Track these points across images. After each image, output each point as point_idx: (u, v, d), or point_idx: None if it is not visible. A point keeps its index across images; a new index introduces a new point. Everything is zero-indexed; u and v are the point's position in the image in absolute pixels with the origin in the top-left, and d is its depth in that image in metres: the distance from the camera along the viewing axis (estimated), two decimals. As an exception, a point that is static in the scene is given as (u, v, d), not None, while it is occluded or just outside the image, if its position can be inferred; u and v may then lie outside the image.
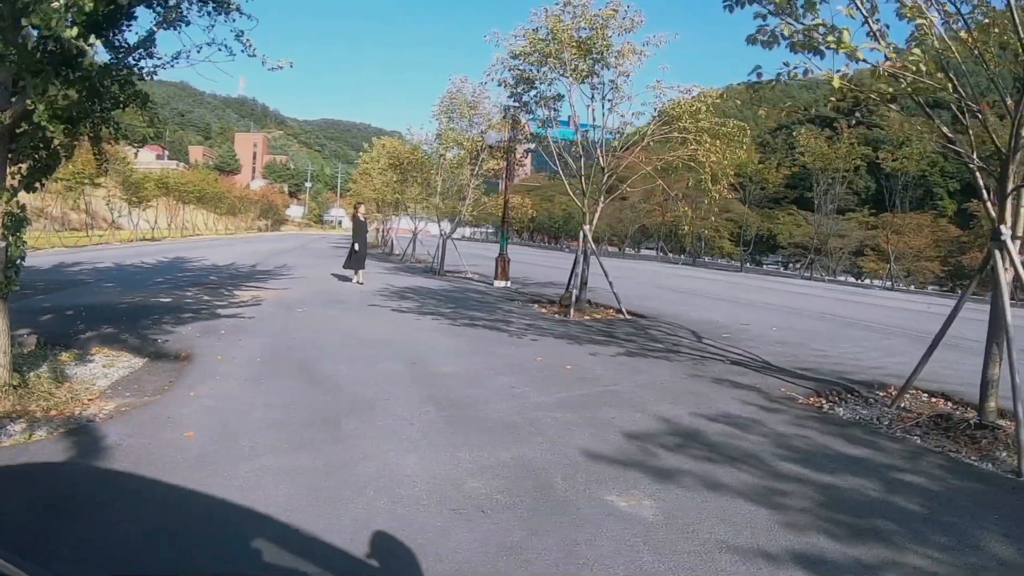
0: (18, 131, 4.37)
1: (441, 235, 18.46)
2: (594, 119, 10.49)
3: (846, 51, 3.70)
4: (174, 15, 5.03)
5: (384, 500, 2.56)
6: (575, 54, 9.67)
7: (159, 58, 5.36)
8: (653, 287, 16.61)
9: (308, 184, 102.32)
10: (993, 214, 4.43)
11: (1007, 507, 3.01)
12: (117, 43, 5.02)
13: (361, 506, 2.50)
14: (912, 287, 25.83)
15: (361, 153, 31.70)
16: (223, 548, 2.19)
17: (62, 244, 18.78)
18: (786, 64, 4.08)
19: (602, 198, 10.43)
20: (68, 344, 5.53)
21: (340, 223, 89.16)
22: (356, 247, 12.11)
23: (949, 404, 5.35)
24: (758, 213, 33.82)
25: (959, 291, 23.99)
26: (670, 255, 38.90)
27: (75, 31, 2.80)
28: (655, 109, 10.02)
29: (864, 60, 3.83)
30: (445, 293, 11.88)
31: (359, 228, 12.34)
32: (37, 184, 4.61)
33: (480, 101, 15.68)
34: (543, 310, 10.14)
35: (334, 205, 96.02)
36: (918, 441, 4.11)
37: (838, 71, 3.81)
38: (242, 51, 5.39)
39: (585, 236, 10.29)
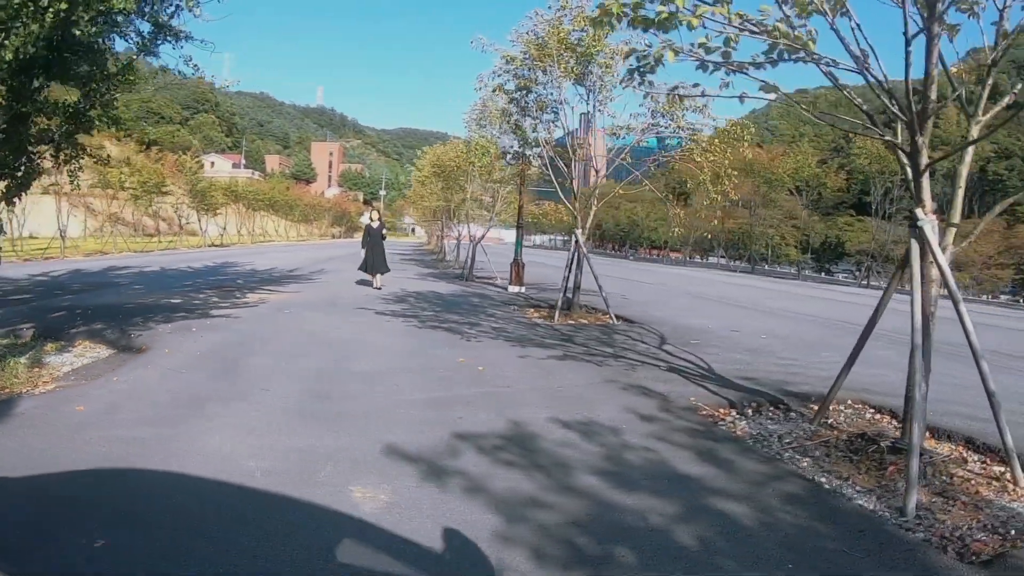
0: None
1: (470, 241, 19.17)
2: (591, 122, 10.74)
3: (685, 22, 3.40)
4: (148, 45, 5.98)
5: (163, 466, 3.13)
6: (570, 56, 9.96)
7: (129, 81, 6.38)
8: (679, 294, 16.35)
9: (382, 192, 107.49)
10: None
11: (826, 554, 2.63)
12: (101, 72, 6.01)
13: (142, 470, 3.08)
14: (987, 296, 23.47)
15: (415, 160, 33.40)
16: (31, 485, 2.88)
17: (129, 248, 21.35)
18: (648, 46, 3.92)
19: (595, 201, 10.62)
20: (59, 337, 6.58)
21: (413, 231, 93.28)
22: (365, 252, 13.00)
23: (894, 423, 5.13)
24: (821, 219, 31.99)
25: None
26: (732, 263, 37.64)
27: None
28: (648, 110, 10.08)
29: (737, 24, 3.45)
30: (447, 298, 12.45)
31: (371, 234, 13.21)
32: (15, 199, 5.66)
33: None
34: (535, 314, 10.46)
35: (408, 213, 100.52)
36: (804, 464, 3.83)
37: (680, 45, 3.63)
38: (193, 74, 6.28)
39: (576, 240, 10.53)
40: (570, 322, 9.76)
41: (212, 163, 74.24)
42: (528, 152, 11.84)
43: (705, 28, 3.66)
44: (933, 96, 3.69)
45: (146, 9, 5.61)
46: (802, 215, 30.30)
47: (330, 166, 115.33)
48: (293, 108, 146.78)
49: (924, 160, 3.76)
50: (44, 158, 5.70)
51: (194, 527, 2.53)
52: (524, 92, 10.93)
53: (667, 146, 11.02)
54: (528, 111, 11.17)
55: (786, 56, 3.71)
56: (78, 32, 4.59)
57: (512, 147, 14.06)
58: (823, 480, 3.61)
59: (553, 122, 11.43)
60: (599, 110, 10.39)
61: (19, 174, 5.56)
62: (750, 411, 5.05)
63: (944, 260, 3.81)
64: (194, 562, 2.29)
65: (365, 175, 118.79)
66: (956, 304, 3.73)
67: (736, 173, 10.51)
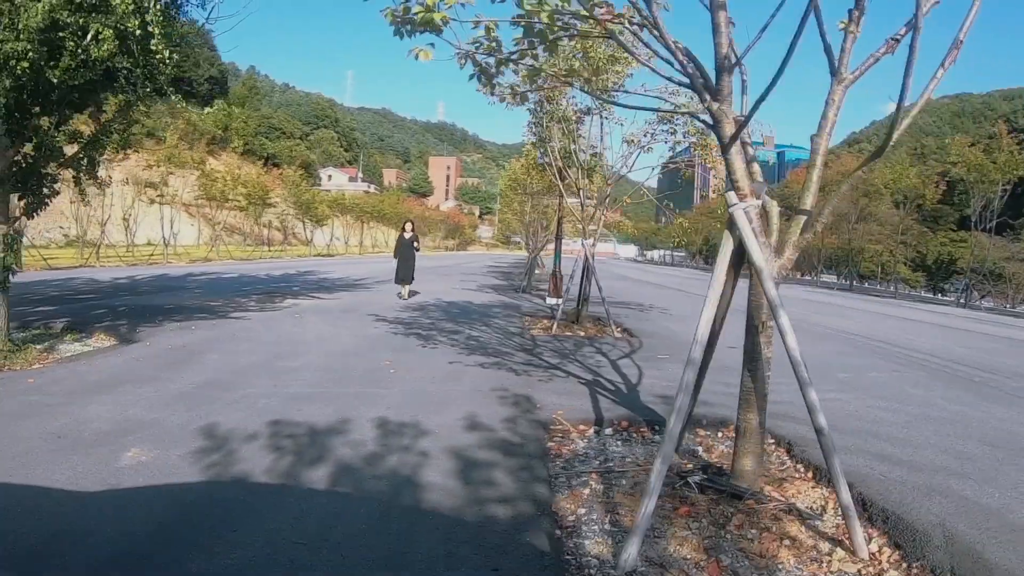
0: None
1: (529, 254, 19.78)
2: (602, 130, 10.92)
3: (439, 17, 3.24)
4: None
5: (28, 421, 4.17)
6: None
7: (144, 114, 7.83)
8: (733, 311, 15.54)
9: (497, 206, 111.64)
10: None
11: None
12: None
13: (27, 426, 4.15)
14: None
15: (502, 173, 34.89)
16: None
17: (233, 257, 24.64)
18: (432, 45, 3.84)
19: (602, 211, 10.77)
20: (83, 330, 8.18)
21: (525, 244, 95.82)
22: (397, 264, 14.13)
23: (786, 458, 4.69)
24: (920, 233, 28.57)
25: None
26: (840, 281, 34.55)
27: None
28: (657, 116, 10.06)
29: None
30: (471, 309, 13.10)
31: (402, 245, 14.31)
32: (35, 213, 7.28)
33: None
34: (541, 325, 10.76)
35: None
36: (585, 492, 3.64)
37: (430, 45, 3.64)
38: (180, 102, 7.58)
39: (584, 251, 10.72)
40: (567, 333, 9.98)
41: (329, 176, 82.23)
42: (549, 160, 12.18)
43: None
44: (725, 49, 3.21)
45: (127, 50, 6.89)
46: (914, 228, 27.34)
47: (447, 180, 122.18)
48: (414, 123, 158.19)
49: (728, 129, 3.25)
50: (64, 179, 7.23)
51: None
52: (540, 103, 11.37)
53: (676, 152, 10.88)
54: (541, 121, 11.60)
55: (542, 39, 3.31)
56: (55, 80, 5.93)
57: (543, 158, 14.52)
58: (581, 512, 3.36)
59: (575, 131, 11.74)
60: (605, 117, 10.56)
61: (41, 191, 7.16)
62: (610, 431, 4.94)
63: (761, 257, 3.22)
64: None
65: (482, 189, 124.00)
66: (774, 312, 3.21)
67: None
